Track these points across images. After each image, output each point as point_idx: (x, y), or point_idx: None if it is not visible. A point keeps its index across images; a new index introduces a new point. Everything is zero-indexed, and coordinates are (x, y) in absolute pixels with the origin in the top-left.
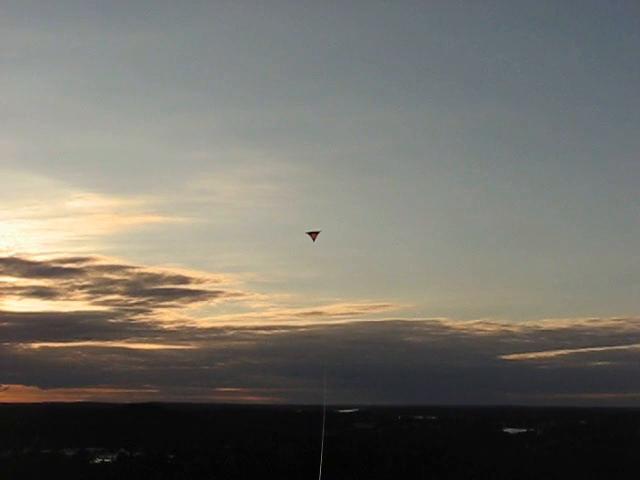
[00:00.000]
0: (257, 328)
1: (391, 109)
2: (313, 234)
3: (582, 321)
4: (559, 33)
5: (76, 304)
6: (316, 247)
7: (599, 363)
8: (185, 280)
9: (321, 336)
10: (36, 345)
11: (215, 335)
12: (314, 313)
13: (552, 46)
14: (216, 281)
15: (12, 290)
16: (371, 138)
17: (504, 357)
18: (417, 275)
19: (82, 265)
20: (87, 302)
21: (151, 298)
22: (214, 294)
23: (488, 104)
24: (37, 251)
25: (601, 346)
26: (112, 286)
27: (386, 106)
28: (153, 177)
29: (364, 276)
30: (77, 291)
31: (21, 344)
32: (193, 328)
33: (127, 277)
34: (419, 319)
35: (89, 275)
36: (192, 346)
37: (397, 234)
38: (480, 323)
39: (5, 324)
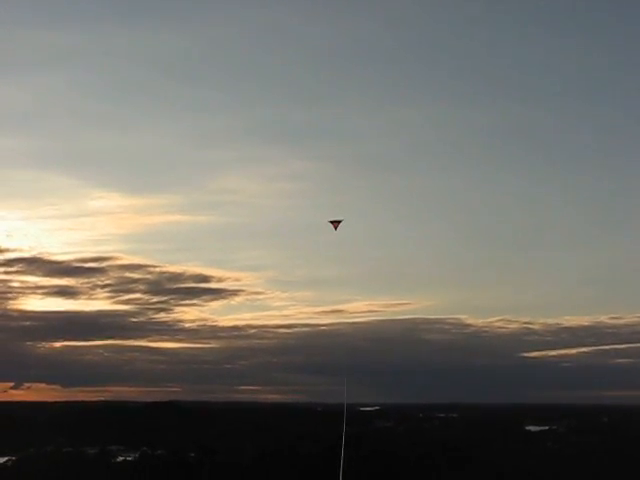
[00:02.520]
0: (278, 326)
1: (410, 108)
2: (335, 223)
3: (604, 318)
4: (580, 33)
5: (98, 303)
6: (336, 245)
7: (621, 360)
8: (206, 279)
9: (342, 334)
10: (58, 344)
11: (236, 333)
12: (335, 311)
13: (572, 46)
14: (237, 280)
15: (34, 289)
16: (391, 137)
17: (525, 354)
18: (438, 273)
19: (104, 264)
20: (109, 301)
21: (172, 297)
22: (235, 292)
23: (507, 103)
24: (59, 250)
25: (623, 343)
26: (133, 285)
27: (405, 105)
28: (174, 176)
29: (385, 274)
30: (99, 290)
31: (43, 343)
32: (214, 326)
33: (148, 276)
34: (440, 317)
35: (111, 274)
36: (213, 344)
37: (417, 232)
38: (501, 320)
39: (27, 323)
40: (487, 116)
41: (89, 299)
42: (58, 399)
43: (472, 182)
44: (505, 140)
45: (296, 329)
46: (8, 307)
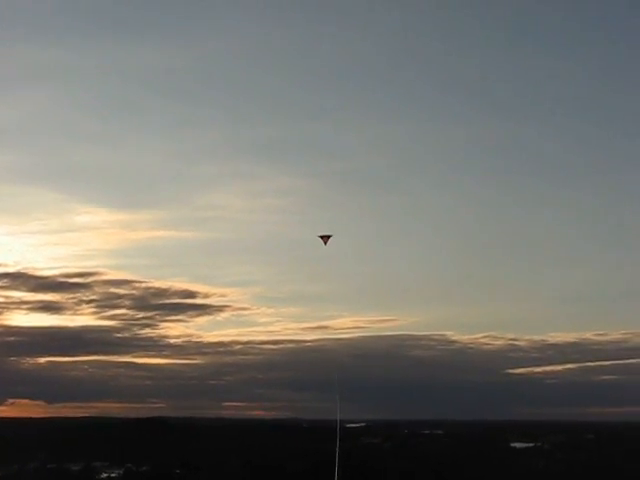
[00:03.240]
0: (264, 342)
1: (399, 125)
2: (325, 238)
3: (589, 335)
4: (568, 49)
5: (83, 318)
6: (323, 261)
7: (606, 377)
8: (192, 294)
9: (328, 350)
10: (42, 360)
11: (222, 349)
12: (321, 327)
13: (561, 62)
14: (223, 295)
15: (19, 305)
16: (378, 154)
17: (511, 371)
18: (424, 289)
19: (89, 280)
20: (94, 316)
21: (158, 312)
22: (221, 308)
23: (495, 119)
24: (44, 265)
25: (609, 360)
26: (119, 300)
27: (394, 122)
28: (161, 192)
29: (371, 290)
30: (84, 305)
31: (28, 359)
32: (200, 342)
33: (134, 291)
34: (426, 333)
35: (96, 289)
36: (199, 360)
37: (404, 249)
38: (487, 337)
39: (12, 339)
40: (476, 132)
41: (74, 314)
42: (42, 415)
43: (459, 198)
44: (493, 156)
45: (282, 345)
46: None
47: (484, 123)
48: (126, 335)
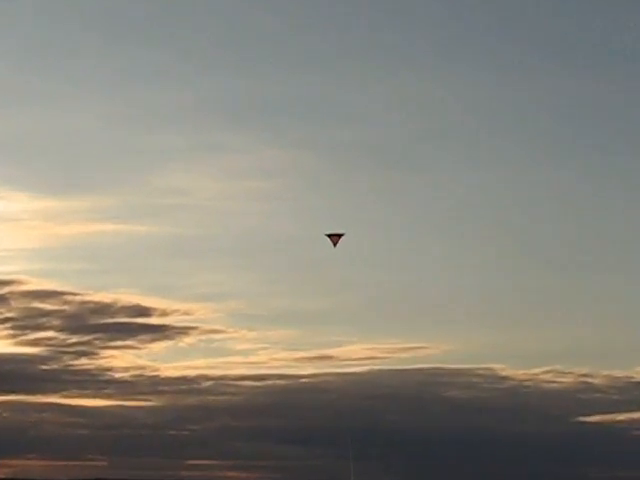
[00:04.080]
0: (243, 378)
1: (425, 79)
2: (334, 237)
3: None
4: None
5: None
6: (324, 267)
7: None
8: (145, 312)
9: (332, 389)
10: None
11: (185, 387)
12: (321, 357)
13: None
14: (187, 313)
15: None
16: (398, 120)
17: (584, 419)
18: (463, 306)
19: (4, 291)
20: (10, 341)
21: (98, 336)
22: (184, 331)
23: (563, 73)
24: None
25: None
26: (45, 319)
27: (418, 76)
28: (102, 170)
29: (390, 307)
30: None
31: None
32: (155, 377)
33: (65, 307)
34: (466, 366)
35: (13, 304)
36: (154, 402)
37: (434, 250)
38: (550, 372)
39: None
40: (535, 92)
41: None
42: None
43: (511, 182)
44: (561, 124)
45: (268, 382)
46: None
47: (549, 77)
48: (54, 367)
